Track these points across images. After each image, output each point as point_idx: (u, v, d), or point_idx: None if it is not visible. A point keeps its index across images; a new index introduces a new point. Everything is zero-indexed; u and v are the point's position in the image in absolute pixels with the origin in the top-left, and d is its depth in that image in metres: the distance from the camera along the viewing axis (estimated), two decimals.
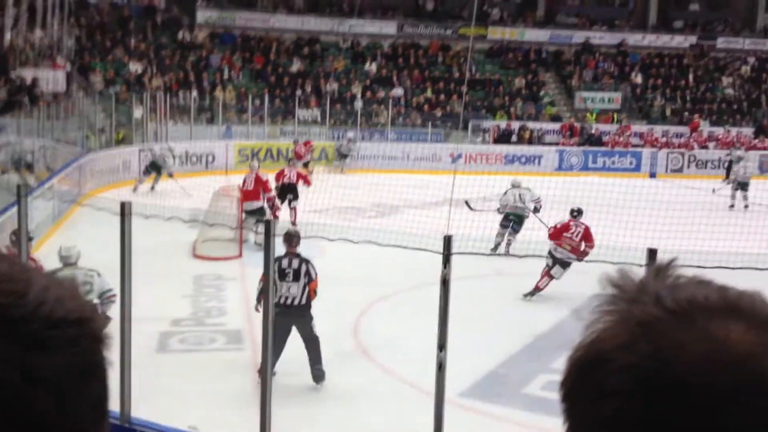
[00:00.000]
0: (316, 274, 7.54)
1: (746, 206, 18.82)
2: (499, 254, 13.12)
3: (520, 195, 13.83)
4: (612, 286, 0.68)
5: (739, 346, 0.61)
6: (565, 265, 11.13)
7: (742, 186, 19.23)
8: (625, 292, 0.68)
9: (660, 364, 0.61)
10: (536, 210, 13.96)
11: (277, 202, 14.76)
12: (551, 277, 11.09)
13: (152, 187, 19.21)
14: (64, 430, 0.62)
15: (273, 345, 7.24)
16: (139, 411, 5.46)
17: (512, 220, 13.73)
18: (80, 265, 7.54)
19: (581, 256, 11.05)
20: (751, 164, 21.22)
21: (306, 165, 22.95)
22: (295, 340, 7.56)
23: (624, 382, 0.62)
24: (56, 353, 0.62)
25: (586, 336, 0.67)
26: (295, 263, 7.48)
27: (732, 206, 19.02)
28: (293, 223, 14.77)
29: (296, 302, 7.42)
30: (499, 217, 13.91)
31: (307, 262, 7.54)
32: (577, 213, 11.81)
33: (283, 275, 7.38)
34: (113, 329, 5.19)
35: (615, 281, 0.69)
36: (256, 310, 7.48)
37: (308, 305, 7.54)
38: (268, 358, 5.31)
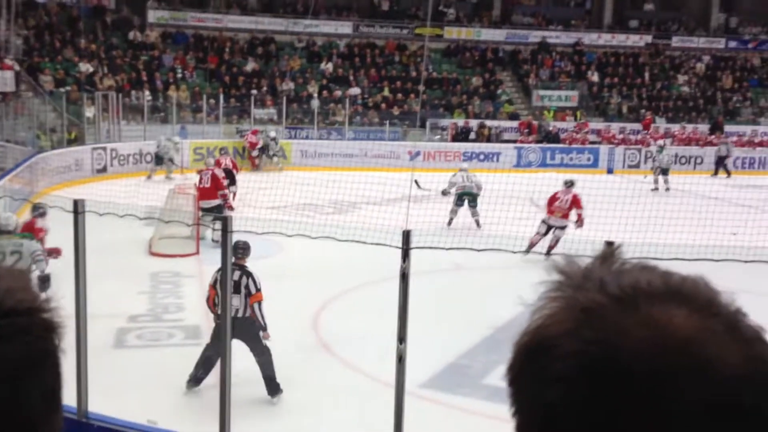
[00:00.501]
0: (257, 289, 7.24)
1: (668, 189, 21.26)
2: (458, 248, 13.19)
3: (467, 176, 15.61)
4: (558, 272, 0.69)
5: (681, 331, 0.62)
6: (561, 228, 12.95)
7: (664, 172, 21.87)
8: (570, 279, 0.68)
9: (603, 350, 0.62)
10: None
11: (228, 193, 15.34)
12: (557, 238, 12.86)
13: (167, 176, 20.50)
14: (17, 420, 0.61)
15: (204, 356, 7.18)
16: (96, 406, 5.36)
17: (465, 198, 15.36)
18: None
19: (578, 223, 12.88)
20: (672, 153, 24.10)
21: (261, 152, 23.34)
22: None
23: (568, 368, 0.62)
24: (7, 342, 0.61)
25: (532, 322, 0.68)
26: (236, 275, 7.19)
27: (655, 189, 21.41)
28: (231, 207, 15.13)
29: (238, 314, 7.10)
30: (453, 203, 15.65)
31: (249, 275, 7.26)
32: (570, 184, 13.46)
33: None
34: (68, 324, 5.07)
35: (561, 268, 0.69)
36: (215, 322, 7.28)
37: (250, 318, 7.26)
38: (227, 352, 5.24)
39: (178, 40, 28.54)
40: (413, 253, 4.72)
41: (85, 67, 25.04)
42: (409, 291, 4.69)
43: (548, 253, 12.21)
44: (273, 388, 7.28)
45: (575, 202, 13.09)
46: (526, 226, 12.32)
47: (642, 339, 0.61)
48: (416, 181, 15.30)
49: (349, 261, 10.50)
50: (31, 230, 9.68)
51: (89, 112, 22.37)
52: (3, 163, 16.53)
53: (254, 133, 23.86)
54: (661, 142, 24.93)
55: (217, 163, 16.37)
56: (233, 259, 7.20)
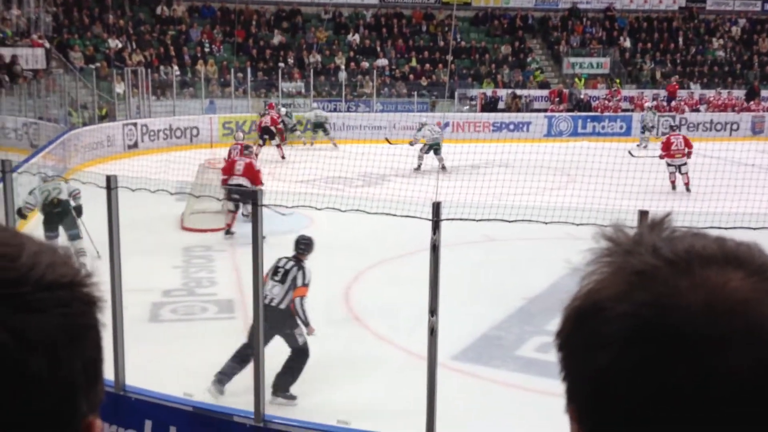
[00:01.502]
0: (304, 284, 6.99)
1: (645, 146, 23.12)
2: (488, 219, 13.22)
3: (433, 128, 18.75)
4: (606, 239, 0.68)
5: (738, 293, 0.61)
6: (684, 165, 15.85)
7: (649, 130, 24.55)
8: (620, 245, 0.68)
9: (657, 311, 0.61)
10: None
11: (258, 142, 17.47)
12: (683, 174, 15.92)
13: (334, 145, 22.02)
14: (57, 390, 0.62)
15: (243, 347, 6.86)
16: (133, 379, 5.44)
17: (433, 148, 18.36)
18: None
19: (688, 156, 16.01)
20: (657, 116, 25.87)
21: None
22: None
23: (621, 330, 0.62)
24: (48, 315, 0.63)
25: (582, 286, 0.67)
26: (289, 265, 7.07)
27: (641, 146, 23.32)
28: (282, 157, 18.13)
29: (274, 303, 6.86)
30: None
31: (301, 269, 7.03)
32: (676, 126, 17.18)
33: (274, 273, 7.02)
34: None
35: (609, 235, 0.69)
36: None
37: (288, 311, 6.94)
38: (259, 325, 5.27)
39: (205, 14, 28.53)
40: (443, 225, 4.69)
41: (114, 43, 25.16)
42: (440, 263, 4.67)
43: (687, 189, 15.46)
44: (281, 387, 6.79)
45: (686, 142, 16.10)
46: (557, 196, 12.20)
47: (697, 301, 0.61)
48: (387, 139, 17.62)
49: (380, 234, 10.51)
50: (251, 171, 12.39)
51: (119, 88, 22.52)
52: (36, 140, 16.73)
53: (270, 107, 23.54)
54: (649, 104, 25.60)
55: (259, 125, 17.62)
56: (294, 251, 7.16)
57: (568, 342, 0.67)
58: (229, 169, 12.50)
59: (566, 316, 0.68)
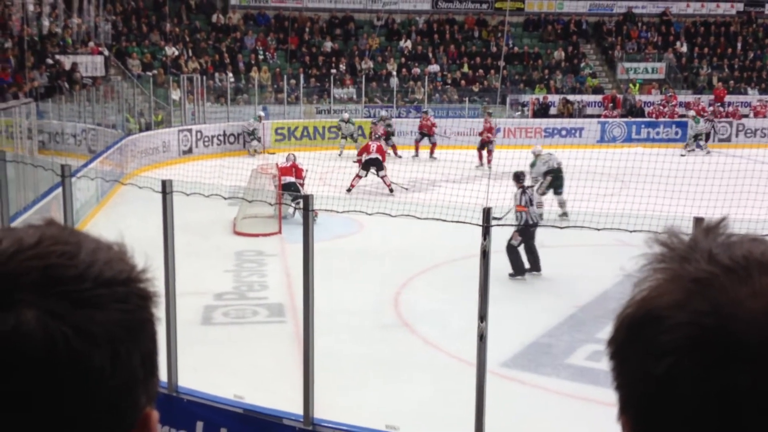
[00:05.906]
0: None
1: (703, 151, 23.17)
2: (540, 225, 13.09)
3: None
4: (660, 245, 0.67)
5: None
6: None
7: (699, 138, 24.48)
8: (674, 251, 0.66)
9: (717, 320, 0.60)
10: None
11: (361, 173, 16.69)
12: None
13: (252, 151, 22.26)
14: (117, 382, 0.64)
15: None
16: (185, 380, 5.53)
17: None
18: None
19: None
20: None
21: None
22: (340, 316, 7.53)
23: (679, 339, 0.61)
24: (107, 310, 0.64)
25: (635, 293, 0.66)
26: None
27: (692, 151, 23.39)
28: (391, 189, 16.28)
29: None
30: None
31: None
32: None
33: None
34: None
35: (663, 240, 0.67)
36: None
37: None
38: (309, 329, 5.31)
39: (260, 22, 28.91)
40: (494, 231, 4.66)
41: (171, 51, 25.65)
42: (489, 269, 4.64)
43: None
44: None
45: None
46: (611, 203, 12.02)
47: (758, 309, 0.59)
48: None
49: (429, 239, 10.49)
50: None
51: (175, 94, 22.94)
52: (94, 145, 17.13)
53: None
54: (691, 112, 25.10)
55: (365, 149, 17.02)
56: None
57: (622, 350, 0.66)
58: None
59: (619, 324, 0.66)
